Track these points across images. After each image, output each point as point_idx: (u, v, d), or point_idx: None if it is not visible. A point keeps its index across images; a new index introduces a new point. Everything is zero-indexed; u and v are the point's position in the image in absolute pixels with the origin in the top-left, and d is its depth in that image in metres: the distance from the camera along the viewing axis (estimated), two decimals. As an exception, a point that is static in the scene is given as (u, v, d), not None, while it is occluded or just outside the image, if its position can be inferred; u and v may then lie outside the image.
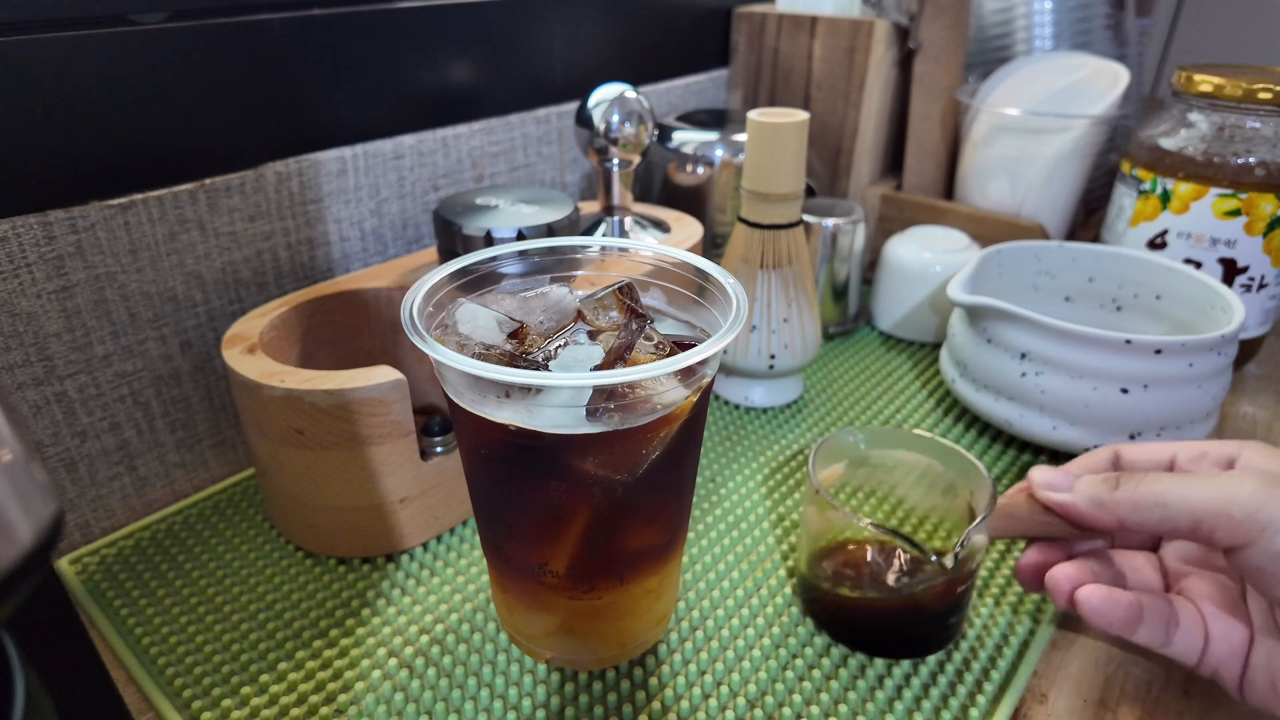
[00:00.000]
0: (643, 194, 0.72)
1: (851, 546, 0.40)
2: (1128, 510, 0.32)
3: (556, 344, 0.31)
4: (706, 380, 0.31)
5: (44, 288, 0.41)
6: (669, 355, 0.31)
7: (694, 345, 0.28)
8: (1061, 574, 0.34)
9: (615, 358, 0.30)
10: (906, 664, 0.38)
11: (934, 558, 0.35)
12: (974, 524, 0.35)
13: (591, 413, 0.28)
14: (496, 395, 0.29)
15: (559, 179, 0.69)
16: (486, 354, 0.30)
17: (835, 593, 0.39)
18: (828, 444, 0.41)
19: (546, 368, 0.30)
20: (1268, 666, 0.31)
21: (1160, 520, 0.31)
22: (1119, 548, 0.38)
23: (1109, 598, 0.32)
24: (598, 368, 0.30)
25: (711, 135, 0.68)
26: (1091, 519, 0.33)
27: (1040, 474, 0.36)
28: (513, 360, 0.31)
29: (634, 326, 0.31)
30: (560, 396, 0.29)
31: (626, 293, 0.33)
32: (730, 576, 0.43)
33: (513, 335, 0.32)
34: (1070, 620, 0.41)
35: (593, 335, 0.33)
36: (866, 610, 0.39)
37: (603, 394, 0.28)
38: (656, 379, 0.29)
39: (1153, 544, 0.38)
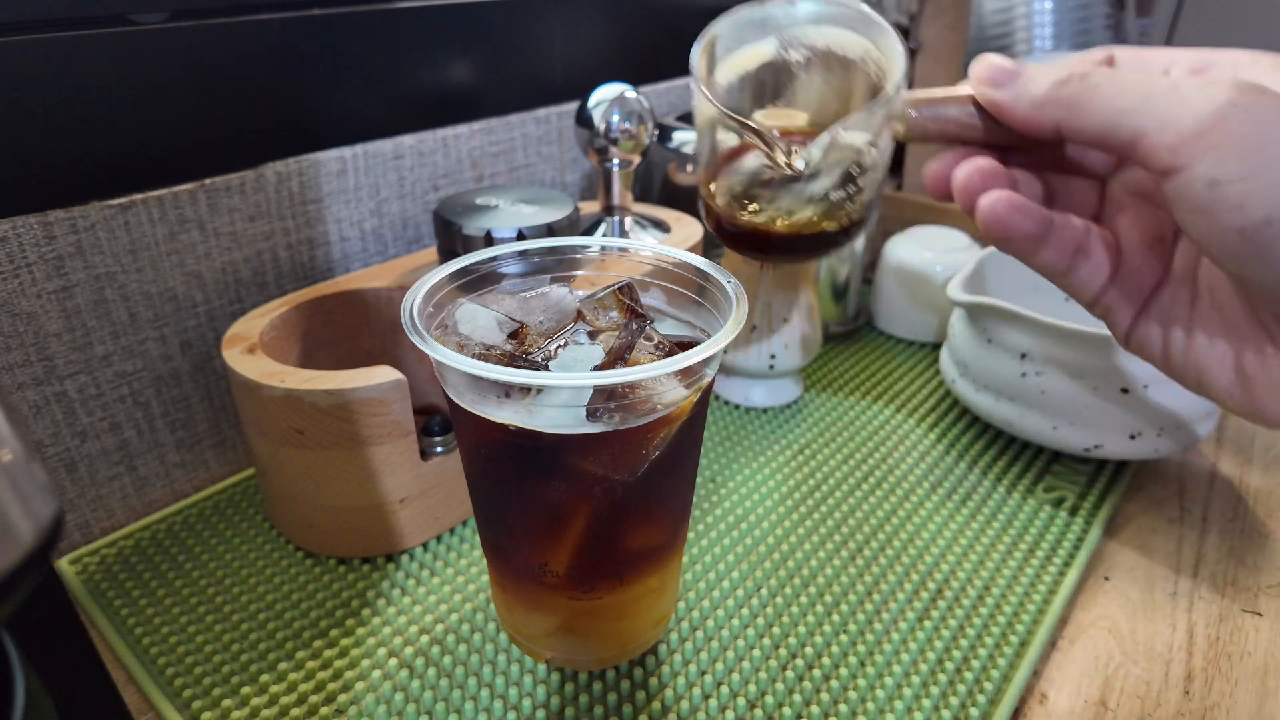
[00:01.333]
0: (643, 194, 0.72)
1: (742, 152, 0.36)
2: (1066, 111, 0.26)
3: (556, 344, 0.31)
4: (706, 380, 0.31)
5: (44, 288, 0.41)
6: (669, 355, 0.31)
7: (694, 345, 0.28)
8: (975, 168, 0.29)
9: (615, 358, 0.30)
10: (906, 659, 0.38)
11: (786, 158, 0.30)
12: (843, 120, 0.30)
13: (591, 413, 0.28)
14: (496, 395, 0.29)
15: (559, 179, 0.69)
16: (487, 354, 0.30)
17: (728, 204, 0.35)
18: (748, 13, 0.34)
19: (546, 368, 0.30)
20: (1167, 312, 0.28)
21: (1101, 129, 0.25)
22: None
23: (1019, 207, 0.27)
24: (598, 368, 0.30)
25: (711, 135, 0.68)
26: (1029, 122, 0.27)
27: (985, 65, 0.28)
28: (513, 360, 0.31)
29: (634, 327, 0.31)
30: (560, 396, 0.29)
31: (626, 293, 0.33)
32: (730, 576, 0.43)
33: (512, 335, 0.32)
34: (1070, 621, 0.42)
35: (593, 335, 0.33)
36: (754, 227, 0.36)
37: (603, 394, 0.28)
38: (656, 379, 0.29)
39: (1104, 175, 0.32)
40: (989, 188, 0.28)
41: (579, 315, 0.33)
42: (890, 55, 0.31)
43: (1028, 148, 0.30)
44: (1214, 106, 0.22)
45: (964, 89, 0.30)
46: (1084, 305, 0.30)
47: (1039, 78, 0.27)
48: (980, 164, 0.29)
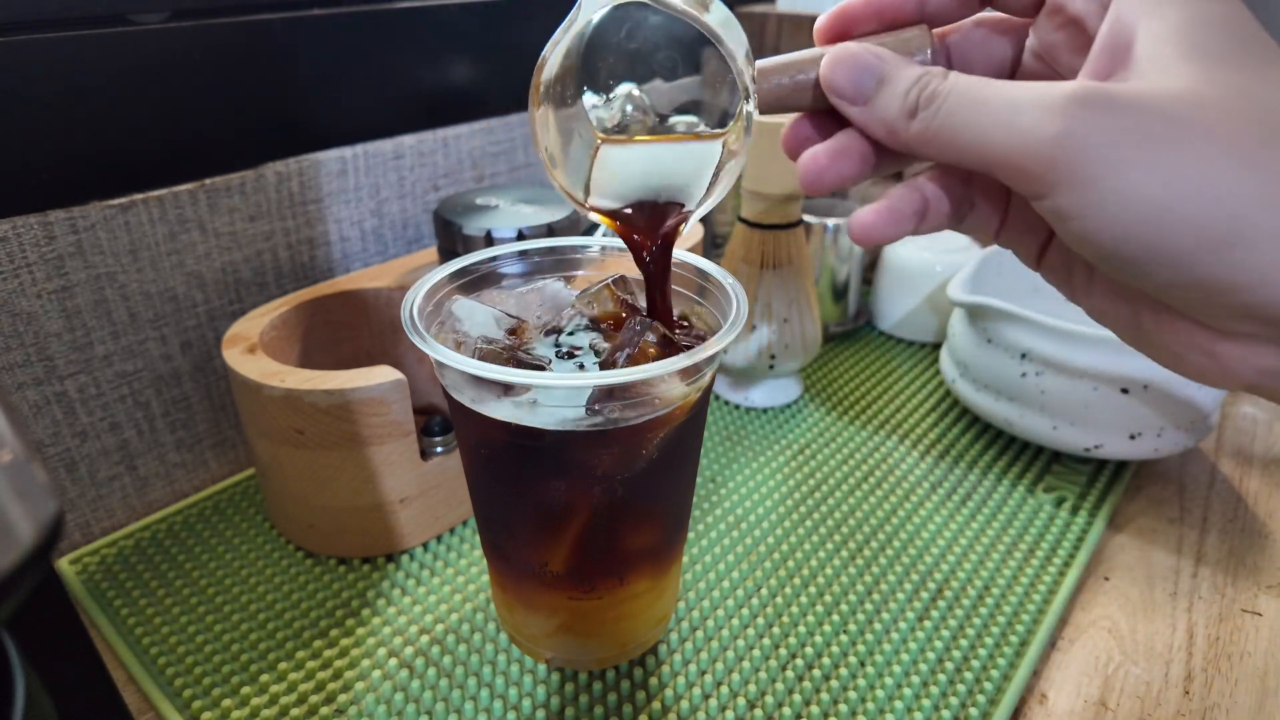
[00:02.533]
0: (643, 194, 0.72)
1: None
2: (920, 147, 0.25)
3: (554, 337, 0.32)
4: (706, 379, 0.31)
5: (44, 288, 0.41)
6: (674, 349, 0.31)
7: (700, 339, 0.28)
8: (821, 153, 0.26)
9: (618, 353, 0.30)
10: (906, 659, 0.38)
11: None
12: (696, 209, 0.29)
13: (591, 408, 0.28)
14: (496, 394, 0.29)
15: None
16: (487, 349, 0.30)
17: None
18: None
19: (547, 365, 0.30)
20: (1067, 254, 0.27)
21: (956, 162, 0.24)
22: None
23: (890, 220, 0.26)
24: (601, 363, 0.30)
25: (711, 135, 0.68)
26: (885, 142, 0.26)
27: (840, 72, 0.26)
28: (512, 355, 0.31)
29: (639, 323, 0.31)
30: (560, 394, 0.29)
31: (620, 286, 0.33)
32: (730, 576, 0.43)
33: (511, 331, 0.32)
34: (1070, 621, 0.42)
35: (594, 323, 0.33)
36: None
37: (604, 390, 0.28)
38: (660, 364, 0.29)
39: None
40: (833, 171, 0.26)
41: (574, 310, 0.33)
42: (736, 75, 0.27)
43: None
44: (1048, 139, 0.21)
45: (813, 70, 0.27)
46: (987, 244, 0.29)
47: (892, 100, 0.25)
48: (823, 150, 0.26)
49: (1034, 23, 0.26)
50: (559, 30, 0.28)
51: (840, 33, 0.27)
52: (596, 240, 0.36)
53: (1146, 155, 0.20)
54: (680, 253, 0.35)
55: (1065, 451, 0.52)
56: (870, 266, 0.75)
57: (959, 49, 0.28)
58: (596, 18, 0.28)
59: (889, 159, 0.27)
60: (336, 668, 0.38)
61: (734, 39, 0.27)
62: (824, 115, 0.28)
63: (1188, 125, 0.20)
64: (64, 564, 0.44)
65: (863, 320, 0.71)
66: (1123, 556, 0.46)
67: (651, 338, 0.30)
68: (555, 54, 0.28)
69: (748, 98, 0.27)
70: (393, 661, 0.38)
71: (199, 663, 0.38)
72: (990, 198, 0.27)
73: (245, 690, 0.37)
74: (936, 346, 0.67)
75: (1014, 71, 0.28)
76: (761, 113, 0.28)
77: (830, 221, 0.64)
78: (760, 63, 0.27)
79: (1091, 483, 0.51)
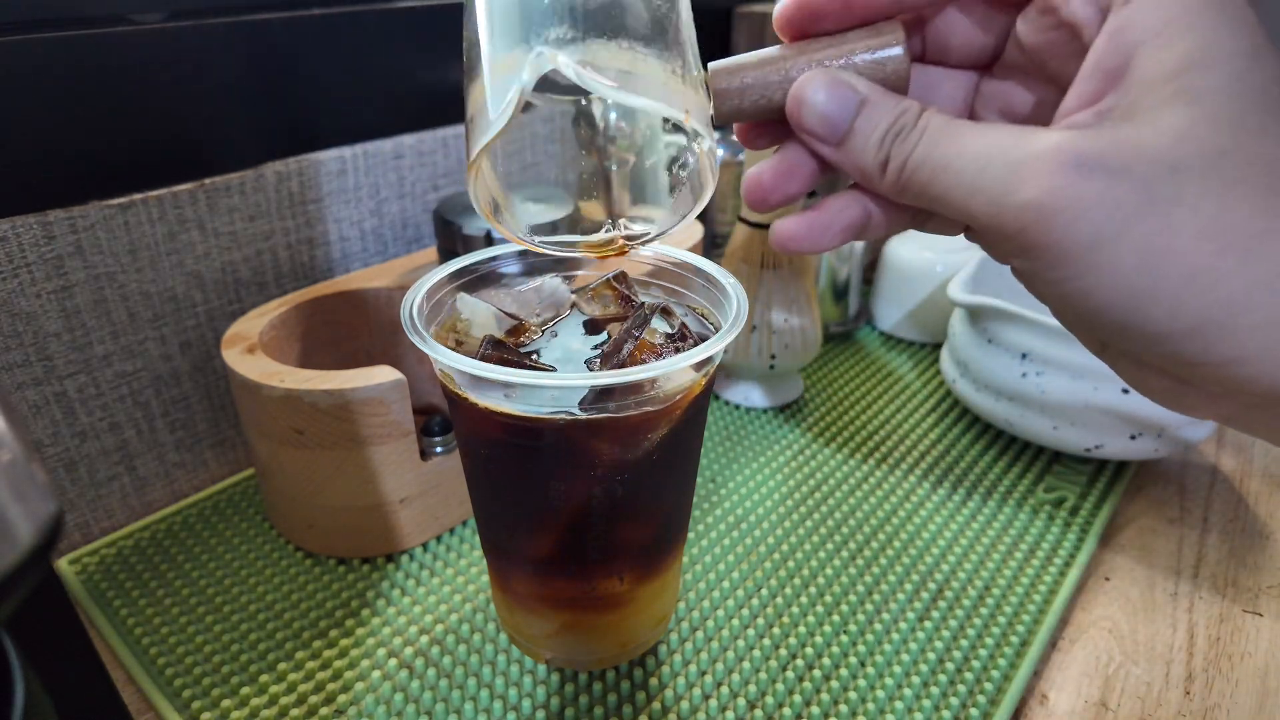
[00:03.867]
0: (643, 194, 0.72)
1: None
2: (895, 196, 0.24)
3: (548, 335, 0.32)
4: (706, 374, 0.31)
5: (44, 287, 0.41)
6: (682, 339, 0.31)
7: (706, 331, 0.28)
8: (776, 190, 0.26)
9: (620, 344, 0.30)
10: (907, 659, 0.38)
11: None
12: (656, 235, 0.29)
13: (589, 403, 0.28)
14: (498, 388, 0.29)
15: (561, 178, 0.69)
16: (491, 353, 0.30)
17: None
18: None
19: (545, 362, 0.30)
20: None
21: (930, 209, 0.23)
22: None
23: (814, 233, 0.25)
24: (602, 353, 0.30)
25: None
26: (860, 184, 0.25)
27: (806, 102, 0.24)
28: (507, 350, 0.31)
29: (645, 314, 0.31)
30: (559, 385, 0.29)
31: (621, 281, 0.33)
32: (730, 576, 0.43)
33: (512, 332, 0.32)
34: (1071, 621, 0.41)
35: (592, 325, 0.33)
36: None
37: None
38: (660, 364, 0.29)
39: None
40: (779, 194, 0.26)
41: (573, 307, 0.33)
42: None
43: None
44: (1017, 206, 0.20)
45: (777, 93, 0.25)
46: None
47: (866, 146, 0.23)
48: (768, 170, 0.26)
49: (1022, 13, 0.25)
50: (489, 80, 0.25)
51: (804, 27, 0.25)
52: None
53: (1128, 231, 0.19)
54: (680, 252, 0.35)
55: (1066, 452, 0.52)
56: (870, 266, 0.75)
57: (936, 35, 0.26)
58: (529, 81, 0.25)
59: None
60: (336, 668, 0.38)
61: (677, 92, 0.25)
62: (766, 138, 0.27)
63: (1175, 200, 0.18)
64: (63, 564, 0.44)
65: (863, 320, 0.71)
66: (1123, 557, 0.46)
67: (659, 325, 0.30)
68: (502, 113, 0.25)
69: (700, 139, 0.26)
70: (392, 662, 0.38)
71: (198, 663, 0.38)
72: None
73: (244, 690, 0.37)
74: (936, 346, 0.67)
75: (994, 59, 0.26)
76: (719, 125, 0.26)
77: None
78: (718, 79, 0.25)
79: (1092, 483, 0.51)
